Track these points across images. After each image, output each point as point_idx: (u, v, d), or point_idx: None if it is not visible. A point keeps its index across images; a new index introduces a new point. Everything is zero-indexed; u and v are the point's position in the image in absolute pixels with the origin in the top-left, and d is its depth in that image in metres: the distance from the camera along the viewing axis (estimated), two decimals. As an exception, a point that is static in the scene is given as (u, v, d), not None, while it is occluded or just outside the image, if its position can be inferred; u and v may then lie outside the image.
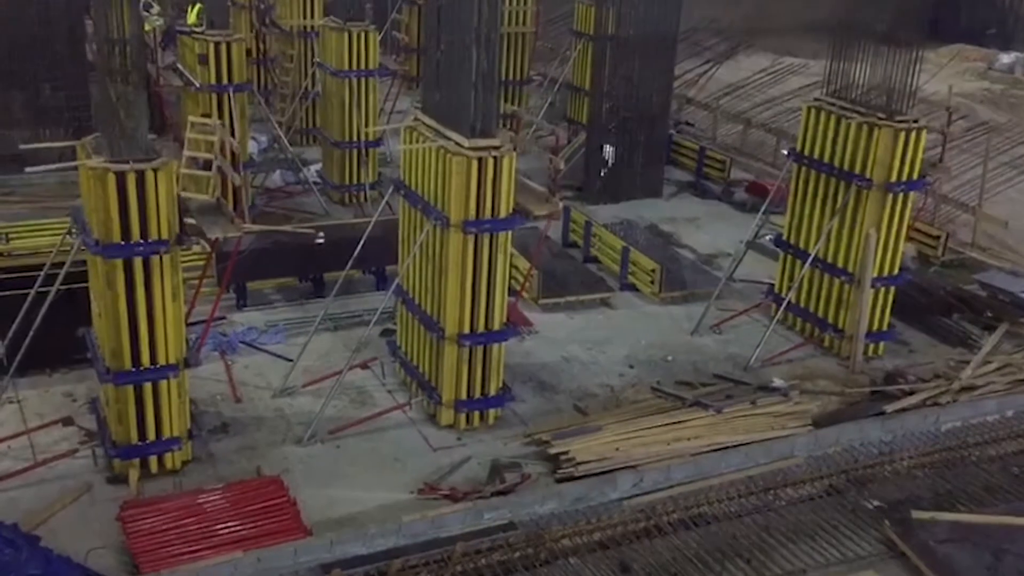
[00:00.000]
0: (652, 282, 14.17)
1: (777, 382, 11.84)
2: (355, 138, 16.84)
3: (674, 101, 23.30)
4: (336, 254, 12.75)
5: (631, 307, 14.11)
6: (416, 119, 10.73)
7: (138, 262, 8.77)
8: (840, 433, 10.93)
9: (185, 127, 15.27)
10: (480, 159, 9.76)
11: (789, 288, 13.14)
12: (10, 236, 12.16)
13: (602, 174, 18.68)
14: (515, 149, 10.44)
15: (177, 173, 9.87)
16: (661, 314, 13.91)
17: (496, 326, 10.43)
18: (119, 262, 8.71)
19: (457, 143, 9.87)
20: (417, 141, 10.45)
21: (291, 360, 11.69)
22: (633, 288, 14.53)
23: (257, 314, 13.12)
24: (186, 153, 15.19)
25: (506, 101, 22.77)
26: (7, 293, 10.47)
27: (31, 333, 9.38)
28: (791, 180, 13.27)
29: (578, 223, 15.97)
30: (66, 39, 18.16)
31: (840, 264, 12.59)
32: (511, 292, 13.86)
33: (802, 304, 13.23)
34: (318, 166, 18.35)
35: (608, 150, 18.83)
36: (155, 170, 8.62)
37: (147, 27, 16.15)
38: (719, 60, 25.60)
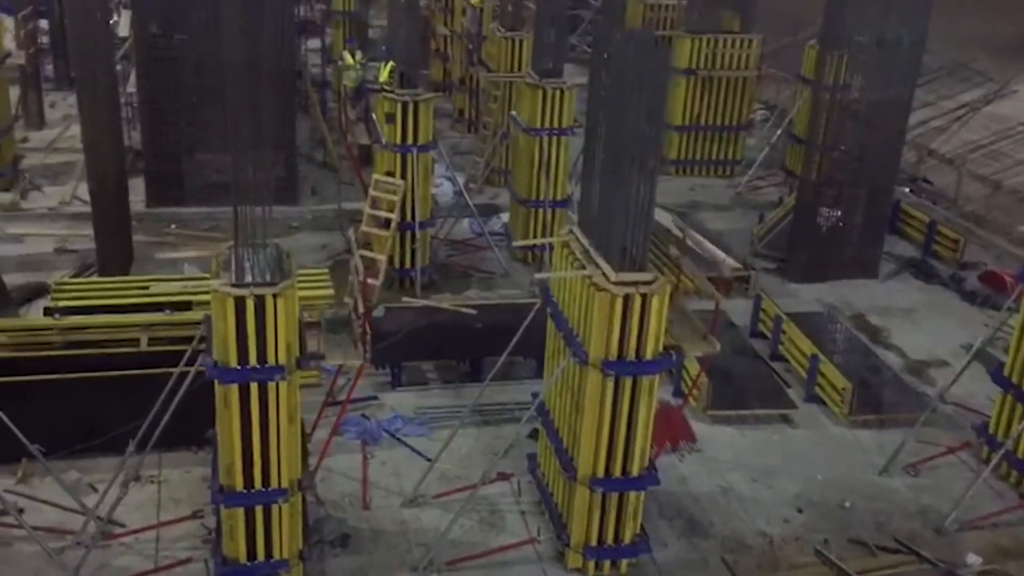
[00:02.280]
0: (842, 401, 12.54)
1: (972, 560, 10.07)
2: (541, 197, 16.13)
3: (912, 152, 21.05)
4: (495, 337, 12.01)
5: (814, 427, 12.56)
6: (571, 232, 9.84)
7: (254, 386, 8.47)
8: (1041, 645, 9.12)
9: (371, 183, 15.20)
10: (626, 296, 8.75)
11: (1007, 435, 11.20)
12: (185, 302, 12.23)
13: (811, 244, 16.95)
14: (677, 281, 9.37)
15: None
16: (848, 441, 12.28)
17: (635, 472, 9.40)
18: (235, 385, 8.45)
19: (604, 274, 8.90)
20: (567, 259, 9.57)
21: (429, 460, 11.18)
22: (820, 401, 12.95)
23: (410, 396, 12.71)
24: (367, 210, 15.17)
25: (720, 147, 21.45)
26: (153, 371, 10.52)
27: (168, 414, 9.33)
28: (1020, 306, 11.27)
29: (769, 313, 14.49)
30: (278, 58, 18.30)
31: (1071, 421, 10.56)
32: (679, 394, 12.81)
33: (1020, 455, 11.25)
34: (507, 216, 17.81)
35: (823, 216, 17.08)
36: (275, 296, 8.25)
37: (346, 81, 16.12)
38: (977, 104, 22.84)
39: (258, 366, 8.40)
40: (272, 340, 8.37)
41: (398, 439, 11.79)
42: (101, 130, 14.63)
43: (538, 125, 15.79)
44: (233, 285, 8.28)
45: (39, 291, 14.53)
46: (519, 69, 18.64)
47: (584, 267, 9.17)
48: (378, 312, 12.83)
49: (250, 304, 8.24)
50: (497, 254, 16.47)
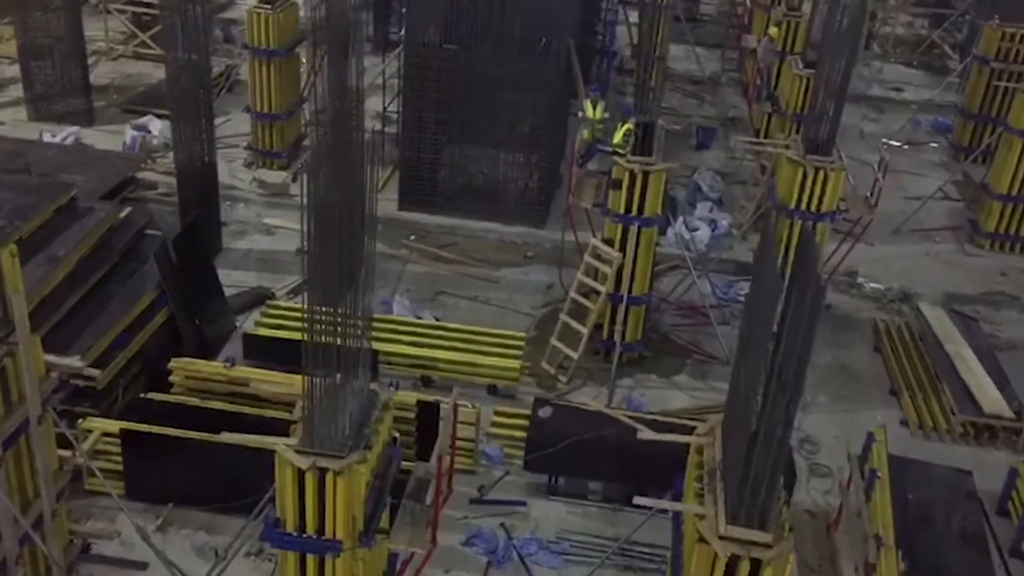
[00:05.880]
0: (1076, 656, 9.88)
1: None
2: (786, 285, 14.07)
3: None
4: (667, 466, 10.64)
5: (1030, 678, 10.04)
6: (713, 430, 8.24)
7: (311, 556, 7.98)
8: None
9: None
10: (733, 558, 7.14)
11: None
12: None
13: None
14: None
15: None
16: None
17: None
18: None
19: (716, 518, 7.32)
20: (695, 470, 8.03)
21: (548, 606, 10.27)
22: (1053, 640, 10.32)
23: (560, 509, 11.70)
24: (579, 277, 14.07)
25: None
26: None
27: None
28: None
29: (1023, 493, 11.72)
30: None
31: None
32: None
33: None
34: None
35: None
36: (337, 473, 7.61)
37: (586, 135, 14.89)
38: None
39: (315, 537, 7.88)
40: (331, 514, 7.78)
41: (526, 567, 10.92)
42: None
43: (792, 205, 13.69)
44: (296, 451, 7.74)
45: (260, 299, 14.98)
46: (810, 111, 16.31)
47: (702, 496, 7.62)
48: (544, 411, 11.89)
49: (311, 477, 7.68)
50: (720, 339, 14.64)
